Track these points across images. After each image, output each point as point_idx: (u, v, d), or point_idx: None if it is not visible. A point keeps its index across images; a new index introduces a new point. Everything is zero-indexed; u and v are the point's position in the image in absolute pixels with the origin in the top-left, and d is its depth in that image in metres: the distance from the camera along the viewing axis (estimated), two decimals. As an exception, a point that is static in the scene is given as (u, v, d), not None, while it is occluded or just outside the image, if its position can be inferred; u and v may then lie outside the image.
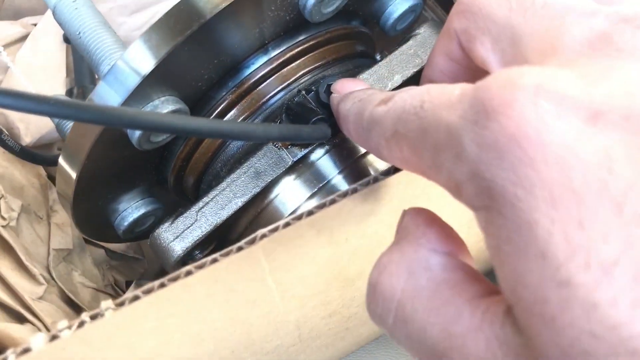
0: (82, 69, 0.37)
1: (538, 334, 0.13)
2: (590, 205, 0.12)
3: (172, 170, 0.30)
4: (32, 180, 0.34)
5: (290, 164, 0.26)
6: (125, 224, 0.31)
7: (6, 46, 0.37)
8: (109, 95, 0.24)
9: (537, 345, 0.13)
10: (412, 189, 0.22)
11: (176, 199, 0.32)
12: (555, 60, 0.15)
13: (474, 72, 0.19)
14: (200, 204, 0.26)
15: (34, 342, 0.17)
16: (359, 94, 0.21)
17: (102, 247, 0.37)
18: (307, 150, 0.26)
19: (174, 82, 0.24)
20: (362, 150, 0.27)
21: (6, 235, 0.30)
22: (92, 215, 0.31)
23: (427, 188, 0.22)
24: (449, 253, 0.17)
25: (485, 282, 0.16)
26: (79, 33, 0.25)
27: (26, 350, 0.17)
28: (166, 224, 0.27)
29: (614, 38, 0.14)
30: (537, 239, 0.12)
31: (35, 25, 0.41)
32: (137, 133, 0.24)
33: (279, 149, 0.26)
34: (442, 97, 0.15)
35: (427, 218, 0.18)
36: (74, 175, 0.28)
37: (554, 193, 0.12)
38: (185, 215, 0.26)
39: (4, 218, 0.30)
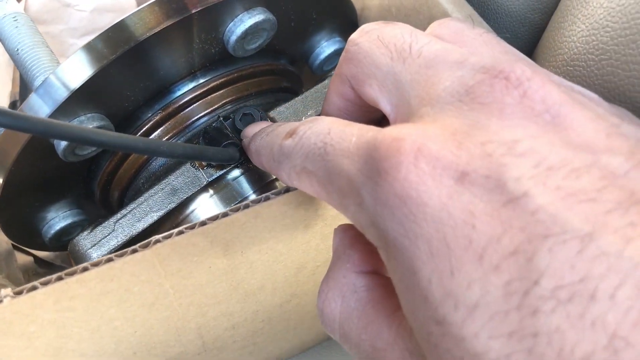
0: (28, 85, 0.39)
1: (428, 354, 0.15)
2: (458, 258, 0.14)
3: (98, 184, 0.31)
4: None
5: (204, 183, 0.28)
6: (52, 232, 0.33)
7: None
8: (38, 106, 0.26)
9: None
10: (305, 209, 0.24)
11: (102, 212, 0.34)
12: (430, 109, 0.17)
13: (366, 108, 0.22)
14: (119, 215, 0.28)
15: None
16: (266, 129, 0.24)
17: (31, 254, 0.38)
18: (222, 172, 0.28)
19: (102, 100, 0.27)
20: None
21: None
22: (19, 221, 0.32)
23: (320, 210, 0.25)
24: (372, 272, 0.20)
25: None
26: (17, 50, 0.27)
27: None
28: (85, 232, 0.28)
29: (476, 92, 0.16)
30: (420, 283, 0.15)
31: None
32: (63, 144, 0.26)
33: (195, 169, 0.28)
34: (342, 143, 0.18)
35: (351, 237, 0.21)
36: (0, 180, 0.29)
37: (432, 246, 0.15)
38: (103, 225, 0.28)
39: None
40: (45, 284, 0.20)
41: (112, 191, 0.32)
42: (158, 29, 0.25)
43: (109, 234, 0.28)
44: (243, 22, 0.27)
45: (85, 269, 0.20)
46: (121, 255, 0.20)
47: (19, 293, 0.20)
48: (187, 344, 0.28)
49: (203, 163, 0.28)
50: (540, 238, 0.13)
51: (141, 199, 0.28)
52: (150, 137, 0.30)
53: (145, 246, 0.21)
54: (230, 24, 0.27)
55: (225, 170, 0.28)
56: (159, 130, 0.29)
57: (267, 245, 0.24)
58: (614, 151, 0.14)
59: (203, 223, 0.21)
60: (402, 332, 0.17)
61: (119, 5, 0.45)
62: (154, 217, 0.28)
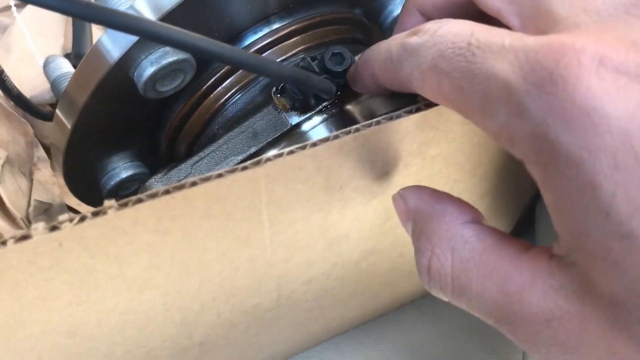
0: (81, 38, 0.38)
1: (602, 273, 0.15)
2: None
3: (167, 132, 0.30)
4: (17, 137, 0.34)
5: (289, 126, 0.27)
6: (112, 183, 0.31)
7: (4, 9, 0.37)
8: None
9: (601, 282, 0.15)
10: (409, 143, 0.23)
11: (167, 167, 0.32)
12: (588, 19, 0.16)
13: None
14: (196, 158, 0.27)
15: (33, 230, 0.17)
16: (382, 42, 0.22)
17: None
18: (306, 116, 0.27)
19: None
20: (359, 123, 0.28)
21: (-10, 179, 0.29)
22: (81, 170, 0.31)
23: (422, 147, 0.23)
24: (473, 221, 0.19)
25: (515, 240, 0.18)
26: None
27: (25, 237, 0.17)
28: (159, 175, 0.27)
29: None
30: (601, 198, 0.14)
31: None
32: (146, 76, 0.25)
33: (279, 112, 0.27)
34: (492, 46, 0.16)
35: (431, 194, 0.20)
36: (69, 124, 0.28)
37: (617, 159, 0.14)
38: (179, 167, 0.27)
39: (-13, 165, 0.30)
40: (152, 197, 0.18)
41: (180, 141, 0.30)
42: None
43: (184, 178, 0.27)
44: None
45: (194, 184, 0.19)
46: (232, 172, 0.19)
47: (124, 205, 0.18)
48: (265, 294, 0.26)
49: (287, 105, 0.27)
50: None
51: (220, 141, 0.27)
52: (224, 83, 0.29)
53: (257, 163, 0.19)
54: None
55: (309, 114, 0.27)
56: (232, 77, 0.28)
57: (364, 182, 0.23)
58: None
59: (314, 144, 0.20)
60: (540, 271, 0.17)
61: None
62: (234, 160, 0.26)
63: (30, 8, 0.40)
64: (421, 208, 0.20)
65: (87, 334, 0.22)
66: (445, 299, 0.19)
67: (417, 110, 0.21)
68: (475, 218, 0.19)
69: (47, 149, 0.37)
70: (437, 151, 0.24)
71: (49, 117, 0.35)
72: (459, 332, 0.36)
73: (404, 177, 0.24)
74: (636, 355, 0.15)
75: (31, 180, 0.34)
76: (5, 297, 0.19)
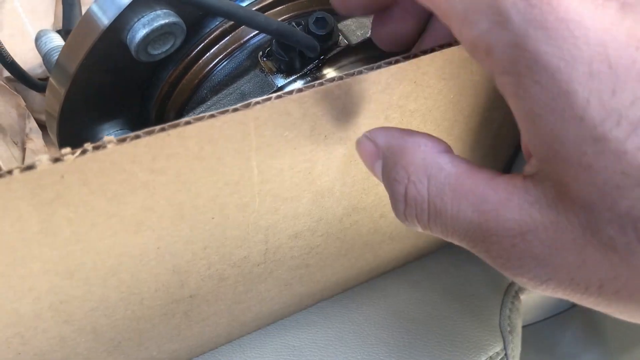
0: (71, 16, 0.39)
1: (575, 179, 0.16)
2: (621, 77, 0.15)
3: (156, 99, 0.31)
4: (10, 109, 0.35)
5: (275, 87, 0.28)
6: (103, 149, 0.32)
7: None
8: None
9: (574, 188, 0.16)
10: (389, 94, 0.24)
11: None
12: None
13: None
14: (187, 119, 0.28)
15: (38, 161, 0.18)
16: None
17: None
18: (291, 78, 0.28)
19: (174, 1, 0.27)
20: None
21: (-16, 144, 0.30)
22: (74, 136, 0.32)
23: (402, 100, 0.25)
24: (446, 151, 0.20)
25: (488, 168, 0.19)
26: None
27: (30, 167, 0.18)
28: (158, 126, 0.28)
29: None
30: (575, 104, 0.15)
31: None
32: (139, 37, 0.26)
33: (265, 74, 0.28)
34: None
35: (401, 131, 0.21)
36: (62, 91, 0.29)
37: (592, 67, 0.15)
38: (170, 127, 0.28)
39: (-18, 132, 0.31)
40: (148, 133, 0.20)
41: (169, 108, 0.32)
42: None
43: (175, 137, 0.28)
44: None
45: (188, 123, 0.20)
46: (223, 112, 0.20)
47: (123, 140, 0.19)
48: (253, 247, 0.27)
49: (273, 68, 0.28)
50: None
51: (209, 102, 0.28)
52: (213, 49, 0.30)
53: (247, 106, 0.21)
54: None
55: (293, 77, 0.28)
56: (227, 38, 0.29)
57: (347, 134, 0.25)
58: None
59: (300, 90, 0.21)
60: (515, 189, 0.18)
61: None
62: (222, 120, 0.28)
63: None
64: (392, 143, 0.21)
65: (83, 275, 0.23)
66: (419, 228, 0.20)
67: (396, 62, 0.23)
68: (448, 149, 0.20)
69: (39, 124, 0.38)
70: (415, 106, 0.26)
71: (41, 88, 0.36)
72: (438, 297, 0.37)
73: (384, 131, 0.26)
74: (604, 261, 0.16)
75: (24, 150, 0.35)
76: (8, 229, 0.20)
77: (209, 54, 0.30)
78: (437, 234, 0.20)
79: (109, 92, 0.31)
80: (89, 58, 0.27)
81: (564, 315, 0.47)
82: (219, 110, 0.20)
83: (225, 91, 0.28)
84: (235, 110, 0.21)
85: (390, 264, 0.39)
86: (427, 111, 0.26)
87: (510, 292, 0.39)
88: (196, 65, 0.30)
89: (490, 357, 0.37)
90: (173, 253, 0.25)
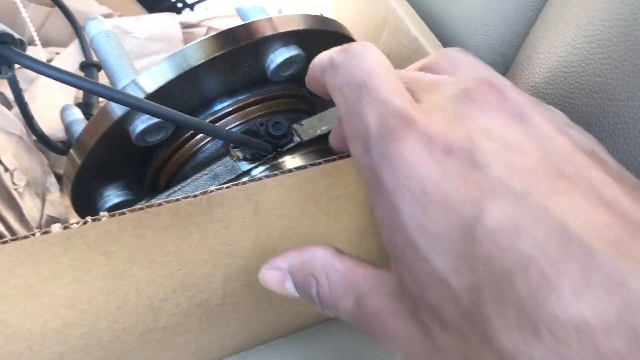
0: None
1: (404, 275, 0.20)
2: (431, 202, 0.19)
3: (151, 170, 0.40)
4: (35, 166, 0.44)
5: (240, 172, 0.36)
6: (107, 206, 0.41)
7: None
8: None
9: (406, 282, 0.20)
10: (315, 186, 0.32)
11: (148, 195, 0.42)
12: (435, 98, 0.21)
13: None
14: (170, 191, 0.37)
15: (53, 227, 0.27)
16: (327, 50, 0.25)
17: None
18: (254, 165, 0.37)
19: (166, 104, 0.35)
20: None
21: (15, 195, 0.39)
22: (84, 195, 0.40)
23: (327, 189, 0.33)
24: (336, 252, 0.25)
25: (367, 262, 0.24)
26: (107, 58, 0.36)
27: (47, 232, 0.27)
28: (143, 202, 0.37)
29: (470, 93, 0.21)
30: (400, 217, 0.19)
31: (58, 54, 0.52)
32: (137, 131, 0.35)
33: (234, 161, 0.37)
34: (376, 93, 0.21)
35: (295, 251, 0.26)
36: (79, 161, 0.38)
37: (414, 194, 0.19)
38: (158, 197, 0.37)
39: (14, 184, 0.40)
40: (131, 211, 0.28)
41: (161, 177, 0.40)
42: (220, 52, 0.34)
43: (160, 203, 0.36)
44: (282, 54, 0.36)
45: (160, 204, 0.28)
46: (186, 198, 0.29)
47: (113, 215, 0.28)
48: (212, 292, 0.35)
49: (240, 156, 0.37)
50: (488, 191, 0.18)
51: (189, 180, 0.37)
52: (195, 138, 0.39)
53: (204, 193, 0.29)
54: (272, 55, 0.36)
55: (255, 164, 0.37)
56: (202, 134, 0.38)
57: (283, 211, 0.33)
58: (558, 141, 0.19)
59: (244, 182, 0.30)
60: (379, 281, 0.22)
61: (167, 36, 0.55)
62: (197, 193, 0.36)
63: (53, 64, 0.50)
64: (295, 263, 0.25)
65: (81, 307, 0.31)
66: (333, 315, 0.24)
67: (319, 163, 0.31)
68: (337, 250, 0.25)
69: (57, 177, 0.47)
70: (339, 192, 0.34)
71: (62, 151, 0.44)
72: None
73: (315, 211, 0.34)
74: (420, 336, 0.20)
75: (44, 200, 0.43)
76: (29, 271, 0.28)
77: (192, 140, 0.38)
78: (343, 318, 0.24)
79: (115, 163, 0.39)
80: (102, 139, 0.36)
81: None
82: (183, 196, 0.29)
83: (202, 172, 0.37)
84: (195, 196, 0.29)
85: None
86: (349, 195, 0.35)
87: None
88: (183, 148, 0.38)
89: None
90: (148, 294, 0.33)
